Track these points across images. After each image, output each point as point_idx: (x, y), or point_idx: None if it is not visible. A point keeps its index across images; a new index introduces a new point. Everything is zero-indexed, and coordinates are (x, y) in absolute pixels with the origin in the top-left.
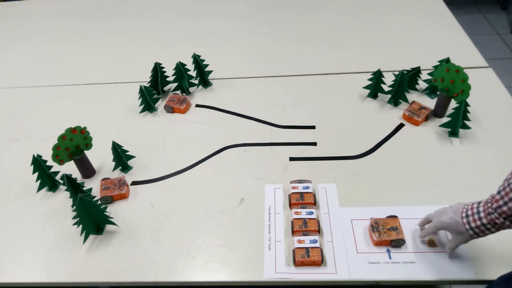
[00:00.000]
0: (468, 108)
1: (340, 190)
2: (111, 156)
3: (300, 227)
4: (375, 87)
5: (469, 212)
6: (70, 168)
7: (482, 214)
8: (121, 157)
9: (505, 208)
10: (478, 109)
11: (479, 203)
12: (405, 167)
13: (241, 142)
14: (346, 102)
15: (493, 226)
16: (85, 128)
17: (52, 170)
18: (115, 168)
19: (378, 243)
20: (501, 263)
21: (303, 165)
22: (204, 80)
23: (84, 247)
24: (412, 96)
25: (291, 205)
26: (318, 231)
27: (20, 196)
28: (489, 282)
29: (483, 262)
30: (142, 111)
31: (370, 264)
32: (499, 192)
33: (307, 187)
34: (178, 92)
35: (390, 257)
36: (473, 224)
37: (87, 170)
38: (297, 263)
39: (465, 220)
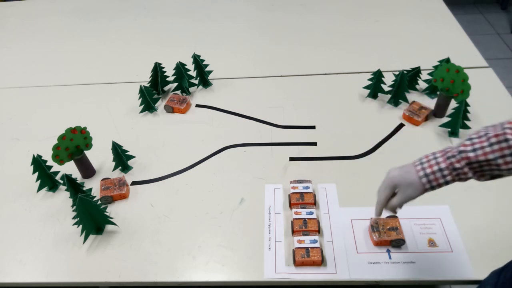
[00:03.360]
0: (468, 108)
1: (340, 190)
2: (111, 156)
3: (300, 227)
4: (375, 87)
5: (424, 160)
6: (70, 168)
7: (440, 159)
8: (121, 157)
9: (471, 154)
10: (478, 109)
11: (434, 152)
12: None
13: (241, 142)
14: (346, 102)
15: (450, 173)
16: (85, 128)
17: (52, 170)
18: (115, 168)
19: (378, 243)
20: (501, 263)
21: (303, 165)
22: (204, 80)
23: (84, 247)
24: (412, 96)
25: (291, 205)
26: (318, 231)
27: (20, 196)
28: None
29: (483, 262)
30: (142, 111)
31: (370, 264)
32: (470, 139)
33: (307, 187)
34: (178, 92)
35: (390, 257)
36: (428, 170)
37: (87, 170)
38: (297, 263)
39: (419, 167)
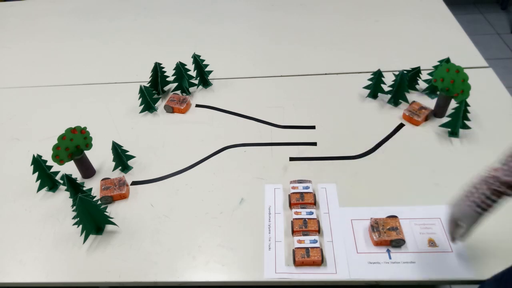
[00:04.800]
0: (468, 108)
1: (340, 190)
2: (111, 156)
3: (300, 227)
4: (375, 87)
5: (473, 191)
6: (70, 168)
7: (487, 192)
8: (121, 157)
9: (508, 179)
10: (478, 109)
11: (476, 184)
12: (405, 167)
13: (241, 142)
14: (346, 102)
15: (495, 194)
16: (85, 128)
17: (52, 170)
18: (115, 168)
19: (378, 243)
20: (501, 263)
21: (303, 165)
22: (204, 80)
23: (84, 247)
24: (412, 96)
25: (291, 205)
26: (318, 231)
27: (20, 196)
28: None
29: (483, 262)
30: (142, 111)
31: (370, 264)
32: (506, 164)
33: (307, 187)
34: (178, 92)
35: (390, 257)
36: (477, 201)
37: (87, 170)
38: (297, 263)
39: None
